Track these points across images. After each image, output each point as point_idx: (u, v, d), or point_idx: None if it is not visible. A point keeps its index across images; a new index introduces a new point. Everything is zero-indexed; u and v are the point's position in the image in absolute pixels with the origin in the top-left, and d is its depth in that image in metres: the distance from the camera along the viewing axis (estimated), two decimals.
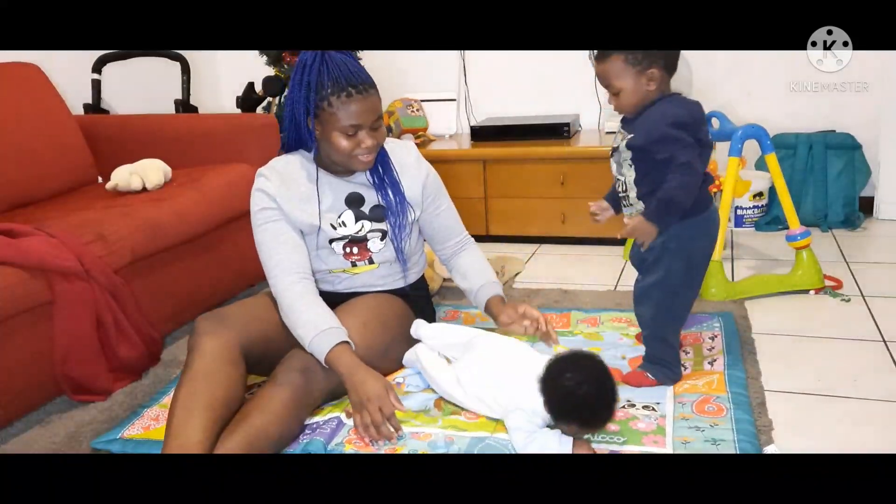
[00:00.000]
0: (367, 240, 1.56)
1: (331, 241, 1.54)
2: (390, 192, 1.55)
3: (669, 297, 1.45)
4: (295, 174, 1.54)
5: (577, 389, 1.22)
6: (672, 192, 1.34)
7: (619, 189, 1.46)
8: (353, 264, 1.57)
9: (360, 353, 1.40)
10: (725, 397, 1.41)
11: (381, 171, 1.55)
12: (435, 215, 1.63)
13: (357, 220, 1.55)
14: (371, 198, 1.56)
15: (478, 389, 1.39)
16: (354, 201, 1.55)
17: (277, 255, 1.48)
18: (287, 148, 1.56)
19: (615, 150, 1.45)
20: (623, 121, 1.43)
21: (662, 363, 1.48)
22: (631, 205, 1.44)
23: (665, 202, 1.34)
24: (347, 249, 1.55)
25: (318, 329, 1.38)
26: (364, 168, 1.50)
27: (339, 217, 1.54)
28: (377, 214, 1.56)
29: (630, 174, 1.41)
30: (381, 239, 1.56)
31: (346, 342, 1.39)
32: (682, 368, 1.54)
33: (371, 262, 1.58)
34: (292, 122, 1.48)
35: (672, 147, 1.32)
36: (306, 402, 1.39)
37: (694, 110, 1.37)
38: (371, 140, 1.44)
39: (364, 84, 1.41)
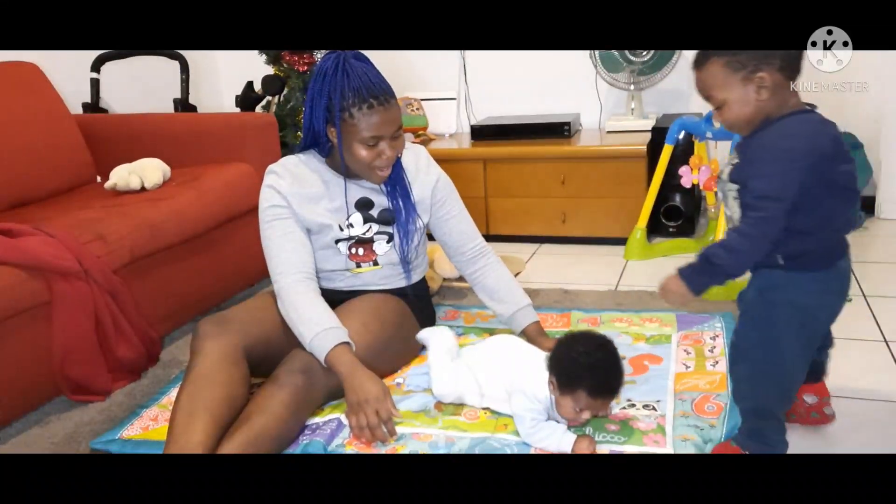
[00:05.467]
0: (374, 241, 1.56)
1: (337, 241, 1.54)
2: (400, 200, 1.55)
3: (769, 361, 1.13)
4: (306, 174, 1.54)
5: (588, 356, 1.25)
6: (714, 252, 1.07)
7: (728, 226, 1.15)
8: (358, 265, 1.57)
9: (360, 353, 1.40)
10: (725, 394, 1.40)
11: (393, 177, 1.55)
12: (445, 220, 1.63)
13: (365, 222, 1.55)
14: (381, 202, 1.56)
15: (481, 374, 1.41)
16: (364, 205, 1.55)
17: (283, 253, 1.48)
18: (301, 148, 1.57)
19: (719, 177, 1.17)
20: (739, 142, 1.15)
21: (761, 439, 1.18)
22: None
23: (703, 259, 1.09)
24: (353, 250, 1.55)
25: (319, 328, 1.38)
26: (380, 181, 1.52)
27: (348, 219, 1.54)
28: (385, 217, 1.56)
29: (736, 210, 1.10)
30: (388, 241, 1.56)
31: (347, 343, 1.39)
32: (684, 367, 1.53)
33: (375, 263, 1.57)
34: (310, 129, 1.48)
35: (763, 186, 1.03)
36: (307, 403, 1.38)
37: (827, 137, 1.06)
38: (391, 151, 1.45)
39: (385, 95, 1.41)
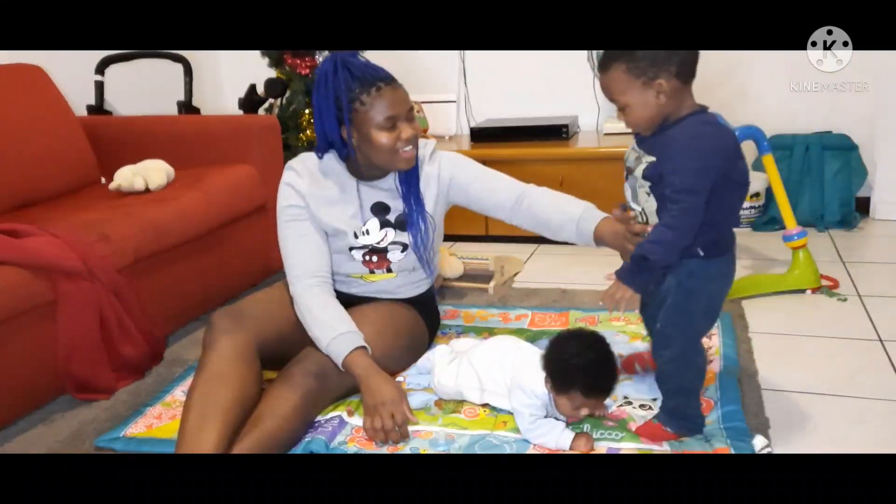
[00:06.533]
0: (388, 251, 1.55)
1: (351, 249, 1.54)
2: (413, 200, 1.53)
3: (689, 343, 1.25)
4: (326, 175, 1.53)
5: (580, 356, 1.26)
6: (647, 249, 1.15)
7: (639, 220, 1.25)
8: (371, 272, 1.57)
9: (375, 360, 1.41)
10: (713, 388, 1.43)
11: (409, 174, 1.53)
12: (467, 190, 1.57)
13: (382, 228, 1.53)
14: (397, 206, 1.54)
15: (484, 370, 1.42)
16: (381, 210, 1.54)
17: (299, 255, 1.48)
18: (319, 151, 1.54)
19: (630, 173, 1.23)
20: (639, 139, 1.22)
21: (682, 416, 1.28)
22: None
23: (638, 259, 1.16)
24: (367, 258, 1.55)
25: (336, 332, 1.39)
26: (408, 166, 1.47)
27: (364, 224, 1.53)
28: (402, 222, 1.54)
29: (650, 204, 1.19)
30: (402, 251, 1.55)
31: (364, 346, 1.40)
32: None
33: (389, 270, 1.57)
34: (323, 136, 1.47)
35: (682, 181, 1.11)
36: (317, 407, 1.40)
37: (728, 137, 1.15)
38: (410, 130, 1.43)
39: (389, 77, 1.42)
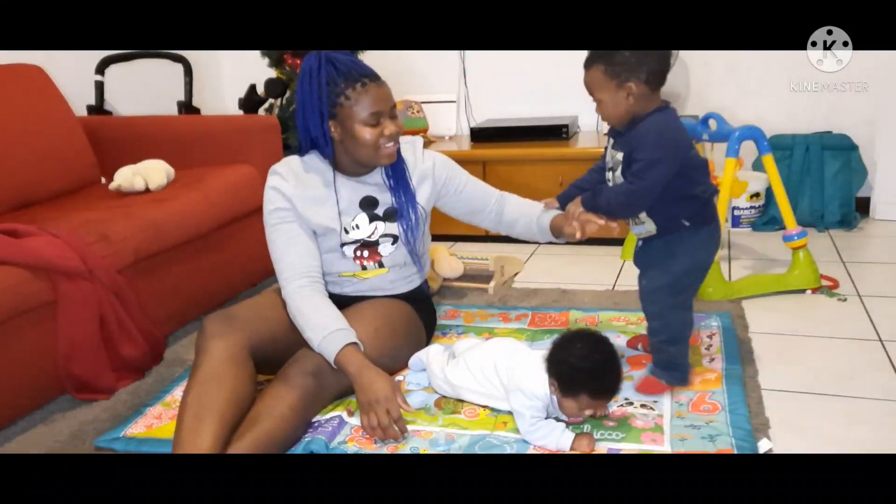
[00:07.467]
0: (378, 244, 1.56)
1: (342, 245, 1.54)
2: (402, 194, 1.54)
3: (675, 299, 1.41)
4: (310, 175, 1.53)
5: (586, 359, 1.27)
6: (603, 192, 1.37)
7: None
8: (363, 268, 1.57)
9: (372, 359, 1.41)
10: (720, 391, 1.43)
11: (395, 170, 1.55)
12: (458, 194, 1.62)
13: (371, 222, 1.54)
14: (385, 200, 1.55)
15: (479, 372, 1.42)
16: (369, 204, 1.55)
17: (288, 258, 1.48)
18: (301, 151, 1.56)
19: (610, 169, 1.41)
20: (613, 135, 1.40)
21: (671, 366, 1.44)
22: (642, 223, 1.42)
23: (589, 196, 1.41)
24: (358, 253, 1.55)
25: (327, 330, 1.39)
26: (389, 161, 1.50)
27: (353, 220, 1.54)
28: (390, 215, 1.55)
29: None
30: (393, 243, 1.56)
31: (355, 343, 1.40)
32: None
33: (381, 265, 1.58)
34: (306, 132, 1.47)
35: (645, 155, 1.29)
36: (315, 406, 1.40)
37: (682, 130, 1.34)
38: (393, 126, 1.45)
39: (373, 74, 1.44)
